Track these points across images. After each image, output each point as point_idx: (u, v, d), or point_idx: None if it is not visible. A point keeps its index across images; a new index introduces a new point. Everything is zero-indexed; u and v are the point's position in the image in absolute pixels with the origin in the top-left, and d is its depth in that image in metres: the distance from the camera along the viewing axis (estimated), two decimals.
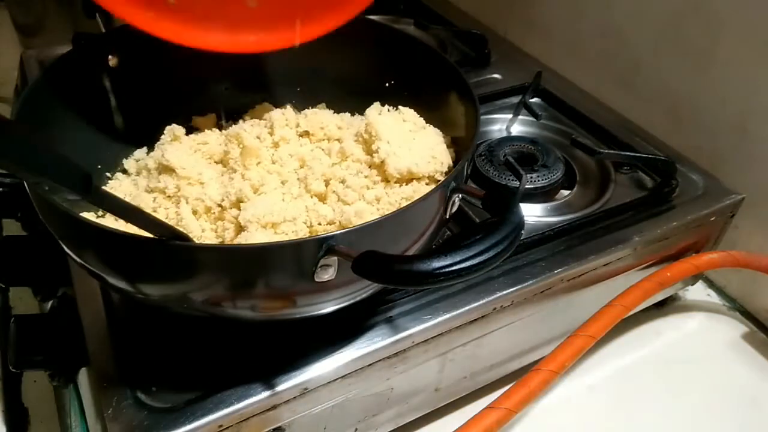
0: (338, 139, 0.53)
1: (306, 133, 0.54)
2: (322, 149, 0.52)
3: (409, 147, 0.48)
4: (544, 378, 0.50)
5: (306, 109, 0.56)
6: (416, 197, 0.45)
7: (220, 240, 0.45)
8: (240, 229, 0.44)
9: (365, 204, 0.46)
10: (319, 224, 0.45)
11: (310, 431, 0.46)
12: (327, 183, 0.48)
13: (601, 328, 0.53)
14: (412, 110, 0.52)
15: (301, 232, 0.44)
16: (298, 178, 0.49)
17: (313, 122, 0.54)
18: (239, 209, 0.45)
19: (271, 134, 0.52)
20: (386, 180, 0.48)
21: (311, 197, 0.47)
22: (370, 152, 0.49)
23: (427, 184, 0.48)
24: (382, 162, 0.47)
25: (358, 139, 0.50)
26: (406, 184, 0.48)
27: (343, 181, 0.48)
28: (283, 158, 0.50)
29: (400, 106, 0.53)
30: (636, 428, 0.57)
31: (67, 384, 0.47)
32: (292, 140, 0.53)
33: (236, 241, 0.43)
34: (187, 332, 0.45)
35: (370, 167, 0.49)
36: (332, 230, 0.44)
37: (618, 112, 0.73)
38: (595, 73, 0.79)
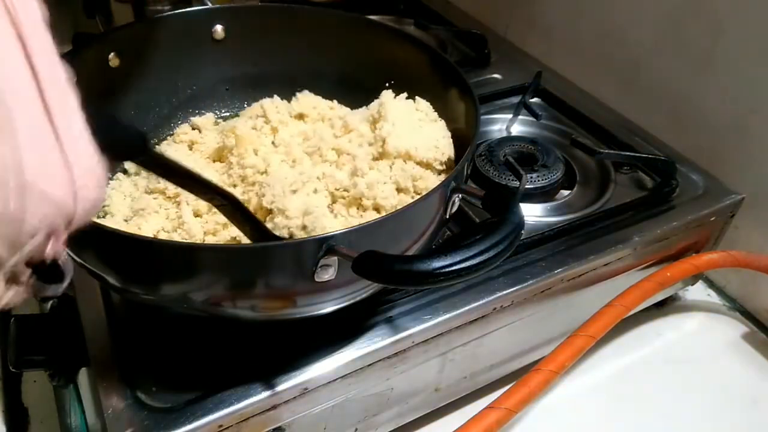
0: (340, 117, 0.54)
1: (300, 116, 0.55)
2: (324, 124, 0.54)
3: (413, 132, 0.49)
4: (544, 378, 0.50)
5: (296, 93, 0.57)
6: (423, 180, 0.46)
7: (248, 197, 0.46)
8: (268, 212, 0.44)
9: (377, 173, 0.47)
10: (336, 190, 0.47)
11: (310, 431, 0.46)
12: (338, 153, 0.49)
13: (601, 328, 0.53)
14: (428, 102, 0.53)
15: (321, 192, 0.46)
16: (305, 152, 0.50)
17: (304, 104, 0.55)
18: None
19: (267, 122, 0.53)
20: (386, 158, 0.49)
21: (329, 165, 0.49)
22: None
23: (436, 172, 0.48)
24: (384, 141, 0.48)
25: (369, 118, 0.51)
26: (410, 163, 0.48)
27: (350, 155, 0.49)
28: (286, 139, 0.51)
29: (417, 97, 0.53)
30: (636, 428, 0.57)
31: (67, 384, 0.47)
32: (290, 122, 0.54)
33: (271, 225, 0.44)
34: (187, 332, 0.45)
35: (370, 145, 0.50)
36: (347, 196, 0.46)
37: (618, 112, 0.73)
38: (595, 73, 0.79)
